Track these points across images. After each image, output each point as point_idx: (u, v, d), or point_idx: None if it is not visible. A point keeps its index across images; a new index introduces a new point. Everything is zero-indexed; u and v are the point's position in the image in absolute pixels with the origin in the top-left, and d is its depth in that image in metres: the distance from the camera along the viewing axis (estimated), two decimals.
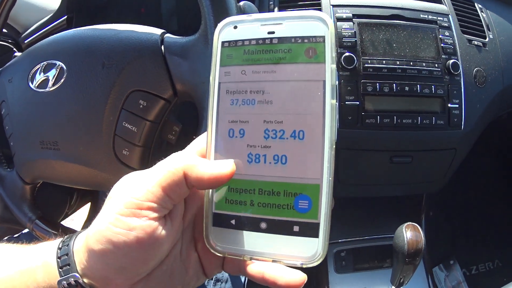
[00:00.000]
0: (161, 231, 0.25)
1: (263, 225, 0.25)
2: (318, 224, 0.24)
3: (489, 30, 0.75)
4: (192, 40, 0.44)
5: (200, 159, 0.26)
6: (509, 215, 1.02)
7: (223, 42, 0.27)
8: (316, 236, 0.24)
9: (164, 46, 0.45)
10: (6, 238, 0.87)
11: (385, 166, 0.62)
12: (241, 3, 0.48)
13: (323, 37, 0.25)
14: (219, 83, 0.27)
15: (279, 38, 0.26)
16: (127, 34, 0.48)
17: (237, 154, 0.26)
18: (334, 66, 0.25)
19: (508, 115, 0.82)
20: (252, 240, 0.26)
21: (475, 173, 0.95)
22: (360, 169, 0.62)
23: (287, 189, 0.25)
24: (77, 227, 1.04)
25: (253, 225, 0.26)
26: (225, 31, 0.27)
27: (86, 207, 0.98)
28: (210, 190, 0.27)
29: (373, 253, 0.70)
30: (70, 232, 0.60)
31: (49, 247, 0.28)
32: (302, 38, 0.25)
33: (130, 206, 0.24)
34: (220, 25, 0.27)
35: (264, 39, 0.26)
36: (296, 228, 0.25)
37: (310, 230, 0.24)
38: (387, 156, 0.61)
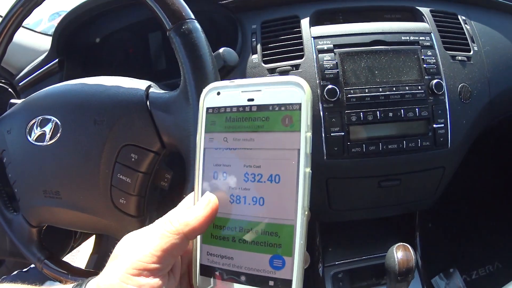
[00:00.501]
0: (166, 285, 0.29)
1: (243, 278, 0.28)
2: (291, 281, 0.27)
3: (474, 42, 0.74)
4: (174, 97, 0.46)
5: (182, 211, 0.29)
6: (506, 216, 1.03)
7: (207, 109, 0.29)
8: None
9: (149, 101, 0.48)
10: (16, 272, 0.90)
11: (374, 190, 0.63)
12: (221, 50, 0.51)
13: (299, 104, 0.26)
14: (204, 148, 0.30)
15: (258, 105, 0.28)
16: (114, 91, 0.51)
17: (221, 195, 0.29)
18: (310, 134, 0.26)
19: (500, 122, 0.82)
20: None
21: (469, 180, 0.96)
22: (350, 195, 0.64)
23: (264, 229, 0.27)
24: (83, 259, 1.08)
25: (234, 277, 0.28)
26: (210, 96, 0.30)
27: (91, 239, 1.01)
28: (197, 242, 0.30)
29: (370, 272, 0.72)
30: (78, 272, 0.64)
31: None
32: (279, 105, 0.27)
33: (137, 267, 0.28)
34: (205, 90, 0.30)
35: (244, 106, 0.28)
36: (271, 283, 0.27)
37: (283, 286, 0.27)
38: (375, 181, 0.62)
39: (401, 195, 0.67)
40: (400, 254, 0.57)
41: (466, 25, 0.76)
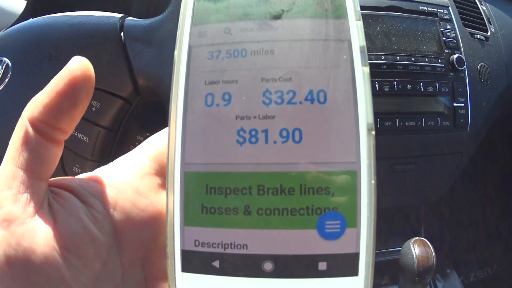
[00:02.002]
0: (39, 249, 0.16)
1: (268, 266, 0.16)
2: (357, 255, 0.16)
3: (490, 24, 0.70)
4: (159, 20, 0.35)
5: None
6: (506, 219, 0.98)
7: None
8: (355, 273, 0.16)
9: (124, 31, 0.37)
10: None
11: (386, 175, 0.55)
12: None
13: None
14: (190, 46, 0.17)
15: None
16: (80, 20, 0.40)
17: (221, 132, 0.17)
18: (361, 23, 0.17)
19: (508, 114, 0.77)
20: None
21: (471, 178, 0.90)
22: None
23: (306, 184, 0.16)
24: None
25: (251, 267, 0.16)
26: None
27: None
28: (174, 220, 0.16)
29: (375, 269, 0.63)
30: None
31: None
32: None
33: None
34: None
35: None
36: (322, 266, 0.16)
37: (345, 266, 0.16)
38: (388, 163, 0.54)
39: (414, 182, 0.58)
40: (418, 250, 0.48)
41: (482, 5, 0.71)
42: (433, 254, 0.48)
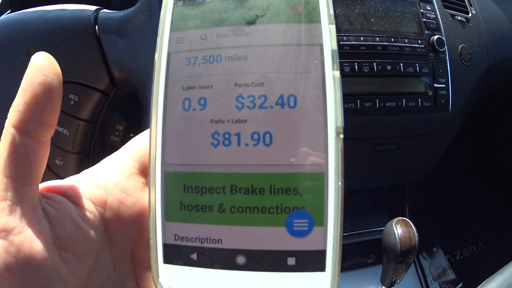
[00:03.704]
0: (38, 253, 0.17)
1: (241, 260, 0.17)
2: (324, 252, 0.17)
3: (471, 6, 0.70)
4: (131, 12, 0.35)
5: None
6: (490, 197, 1.00)
7: (176, 0, 0.19)
8: (322, 269, 0.17)
9: (98, 25, 0.37)
10: None
11: (368, 156, 0.55)
12: None
13: None
14: (169, 53, 0.18)
15: None
16: (55, 14, 0.40)
17: (197, 135, 0.18)
18: (333, 27, 0.17)
19: (491, 96, 0.77)
20: (225, 283, 0.17)
21: (455, 158, 0.91)
22: None
23: (276, 184, 0.17)
24: None
25: (226, 260, 0.17)
26: None
27: None
28: (156, 216, 0.18)
29: (354, 250, 0.64)
30: None
31: None
32: None
33: None
34: None
35: None
36: (291, 261, 0.17)
37: (312, 262, 0.17)
38: (369, 144, 0.55)
39: (396, 162, 0.59)
40: (401, 230, 0.49)
41: None
42: (416, 234, 0.49)
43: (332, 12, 0.17)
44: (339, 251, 0.16)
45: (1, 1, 0.73)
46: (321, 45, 0.17)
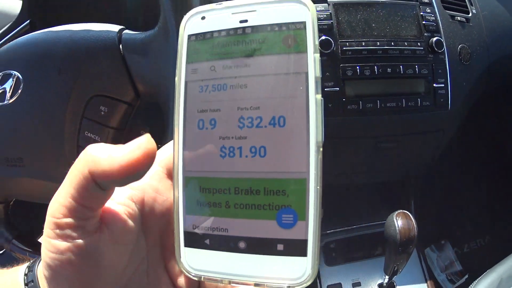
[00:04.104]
0: (96, 250, 0.22)
1: (242, 245, 0.22)
2: (306, 241, 0.21)
3: (472, 5, 0.72)
4: (151, 35, 0.40)
5: (104, 147, 0.21)
6: (497, 191, 1.01)
7: (189, 36, 0.24)
8: (304, 254, 0.21)
9: (123, 44, 0.42)
10: None
11: (371, 152, 0.59)
12: None
13: (304, 23, 0.22)
14: (186, 82, 0.23)
15: (252, 27, 0.23)
16: (82, 35, 0.44)
17: (209, 148, 0.23)
18: (318, 55, 0.21)
19: (495, 91, 0.80)
20: (230, 262, 0.23)
21: (462, 152, 0.93)
22: (344, 157, 0.60)
23: (268, 187, 0.22)
24: None
25: (231, 245, 0.23)
26: (192, 22, 0.24)
27: None
28: (179, 209, 0.23)
29: (363, 242, 0.68)
30: None
31: (19, 272, 0.26)
32: (279, 25, 0.22)
33: (51, 226, 0.21)
34: (186, 16, 0.24)
35: (235, 29, 0.23)
36: (280, 247, 0.22)
37: (296, 248, 0.21)
38: (372, 142, 0.58)
39: (398, 158, 0.63)
40: (401, 222, 0.52)
41: None
42: (415, 226, 0.53)
43: (317, 42, 0.21)
44: (318, 240, 0.21)
45: (20, 11, 0.78)
46: (306, 73, 0.21)
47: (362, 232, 0.68)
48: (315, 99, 0.21)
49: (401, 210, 0.55)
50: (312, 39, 0.21)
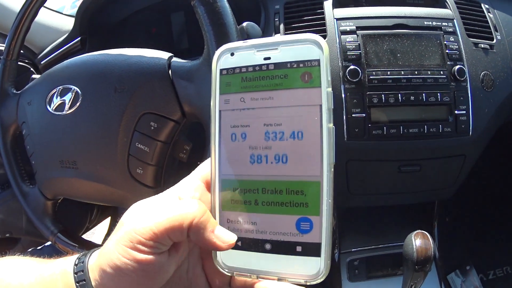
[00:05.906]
0: (165, 262, 0.27)
1: (268, 246, 0.27)
2: (319, 244, 0.26)
3: (497, 31, 0.72)
4: (197, 65, 0.46)
5: (207, 216, 0.27)
6: None
7: (221, 70, 0.28)
8: (318, 255, 0.26)
9: (171, 70, 0.48)
10: (30, 250, 0.91)
11: (394, 175, 0.62)
12: (244, 24, 0.50)
13: (318, 60, 0.26)
14: (220, 111, 0.28)
15: (275, 64, 0.27)
16: (136, 60, 0.51)
17: (241, 156, 0.28)
18: (330, 89, 0.25)
19: None
20: (258, 260, 0.27)
21: (489, 177, 0.93)
22: (369, 179, 0.63)
23: (290, 188, 0.26)
24: (98, 241, 1.08)
25: (258, 246, 0.27)
26: (223, 58, 0.28)
27: (107, 221, 1.01)
28: (216, 210, 0.28)
29: (386, 261, 0.71)
30: (89, 245, 0.64)
31: (68, 262, 0.31)
32: (297, 62, 0.26)
33: (134, 240, 0.26)
34: (217, 52, 0.28)
35: (260, 65, 0.27)
36: (299, 249, 0.26)
37: (312, 250, 0.26)
38: (395, 165, 0.61)
39: (421, 182, 0.65)
40: (418, 241, 0.55)
41: (489, 13, 0.75)
42: (432, 245, 0.55)
43: (329, 78, 0.26)
44: (330, 243, 0.26)
45: (72, 28, 0.85)
46: (320, 105, 0.25)
47: (385, 252, 0.70)
48: (327, 127, 0.25)
49: (419, 230, 0.57)
50: (325, 75, 0.26)
